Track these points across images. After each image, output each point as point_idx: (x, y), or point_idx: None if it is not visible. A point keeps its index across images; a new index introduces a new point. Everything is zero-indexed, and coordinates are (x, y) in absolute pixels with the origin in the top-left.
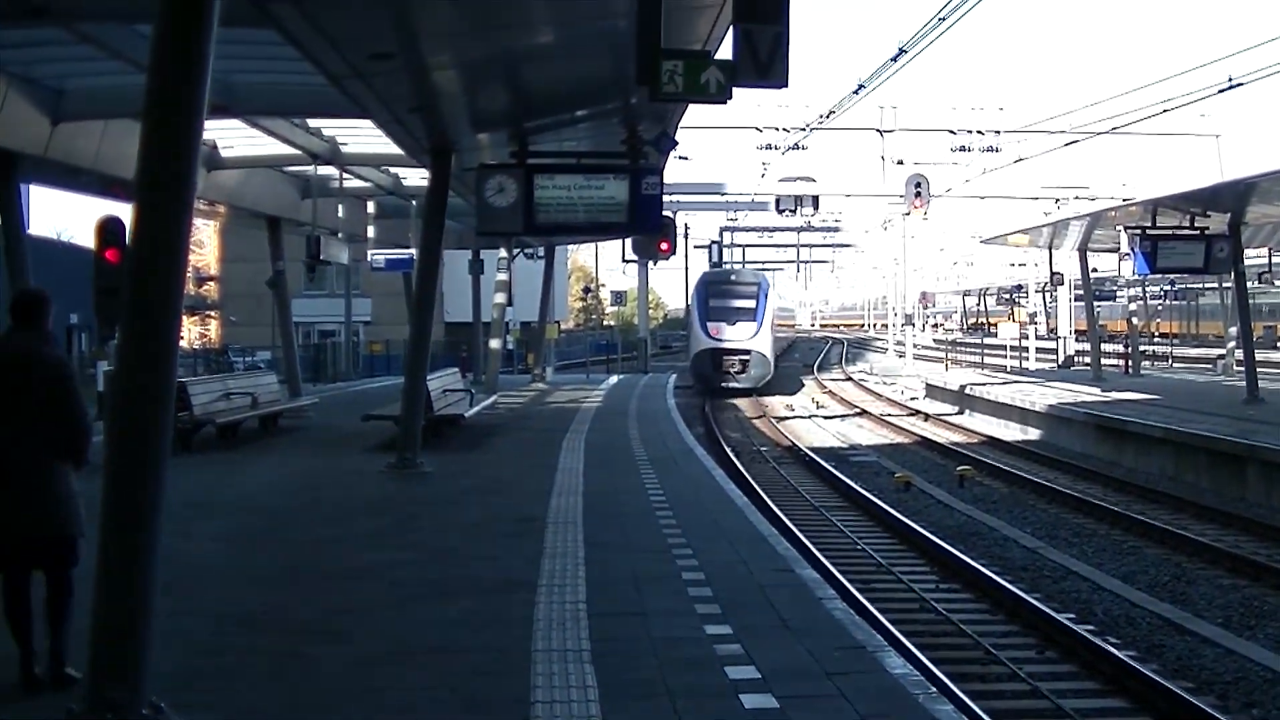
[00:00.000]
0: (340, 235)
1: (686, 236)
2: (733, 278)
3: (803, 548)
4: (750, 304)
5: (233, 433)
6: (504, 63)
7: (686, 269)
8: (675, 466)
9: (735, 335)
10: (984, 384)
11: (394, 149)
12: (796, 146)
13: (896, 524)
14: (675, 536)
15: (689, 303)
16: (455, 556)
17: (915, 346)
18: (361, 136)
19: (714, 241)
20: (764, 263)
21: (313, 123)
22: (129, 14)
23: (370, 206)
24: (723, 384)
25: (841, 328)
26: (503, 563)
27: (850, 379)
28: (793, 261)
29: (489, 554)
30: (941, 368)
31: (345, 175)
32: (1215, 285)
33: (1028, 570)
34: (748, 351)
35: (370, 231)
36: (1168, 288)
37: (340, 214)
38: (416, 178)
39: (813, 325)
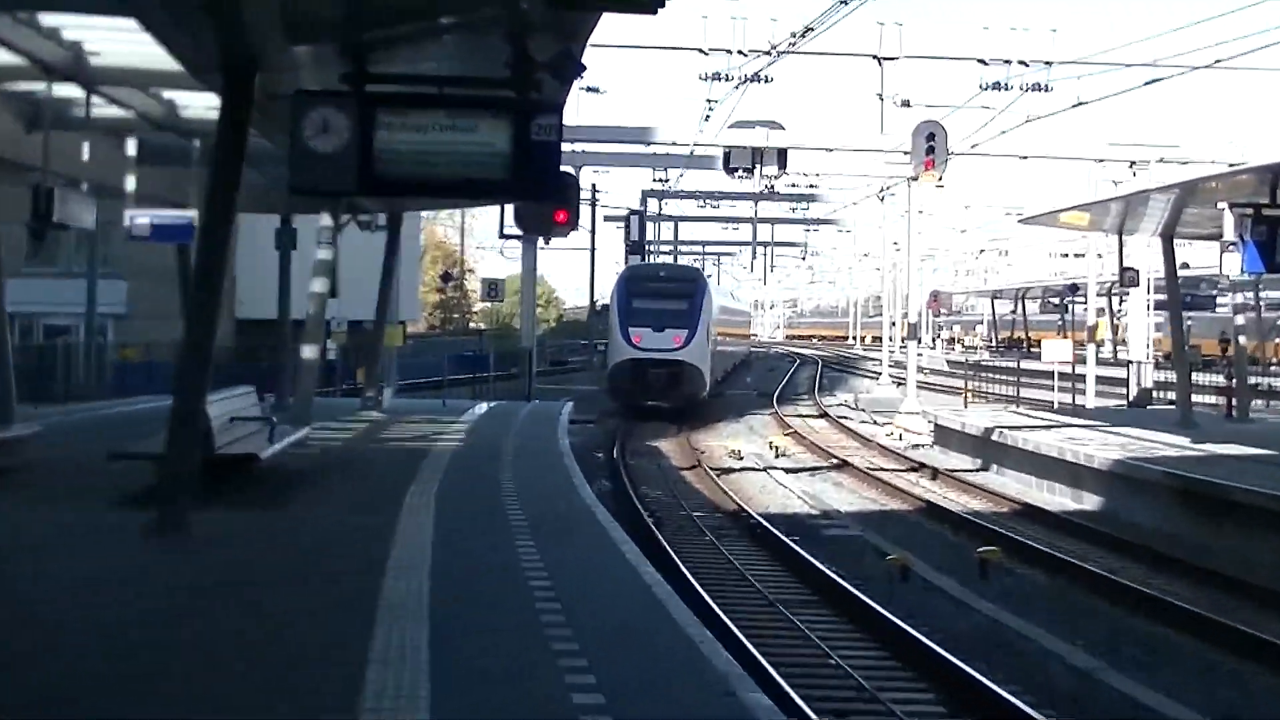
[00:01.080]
0: (84, 187)
1: (595, 204)
2: (663, 273)
3: (752, 662)
4: (682, 305)
5: None
6: None
7: (594, 250)
8: (567, 539)
9: (663, 344)
10: (1019, 427)
11: (169, 63)
12: (757, 78)
13: (888, 629)
14: (565, 643)
15: (609, 302)
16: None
17: (921, 370)
18: (121, 42)
19: (634, 212)
20: (706, 245)
21: (46, 19)
22: None
23: (131, 146)
24: (647, 401)
25: (816, 339)
26: None
27: (826, 415)
28: (747, 244)
29: (274, 693)
30: (958, 402)
31: (94, 99)
32: None
33: (1077, 702)
34: (678, 363)
35: (130, 183)
36: None
37: (86, 156)
38: (201, 106)
39: (775, 334)
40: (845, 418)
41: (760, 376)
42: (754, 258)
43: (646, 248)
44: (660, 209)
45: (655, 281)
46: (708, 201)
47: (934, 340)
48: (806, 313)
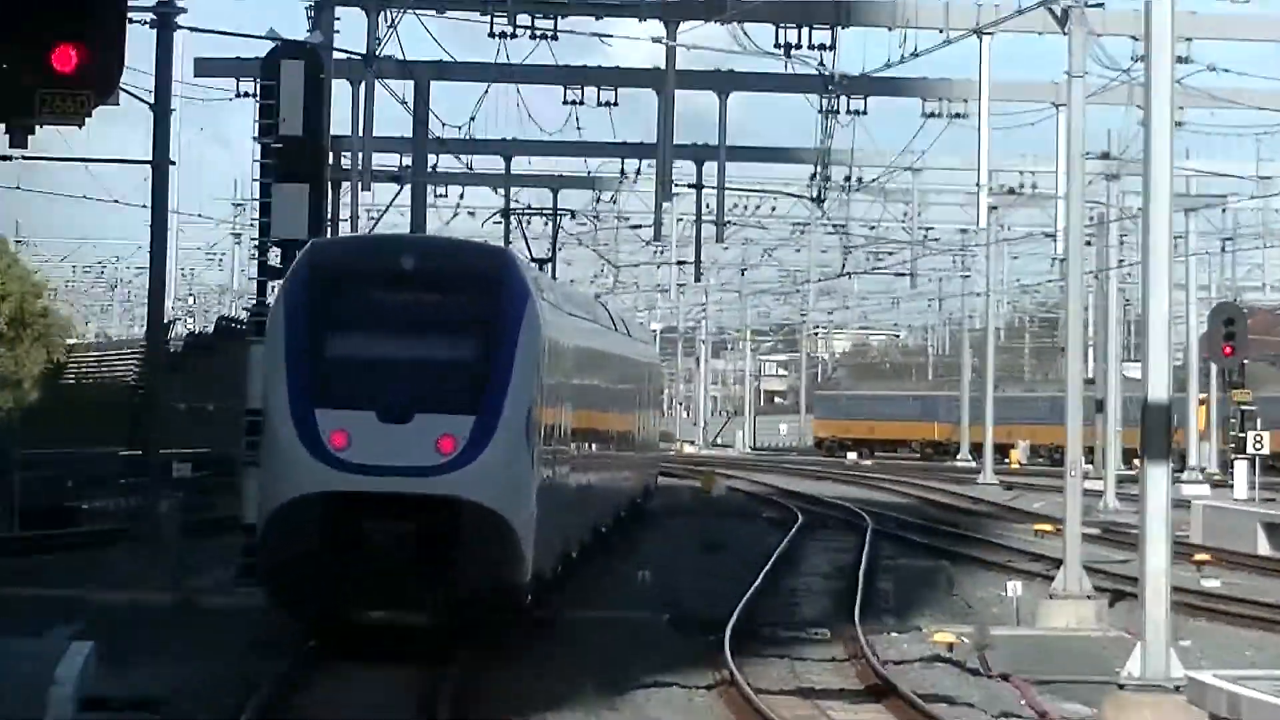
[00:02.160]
0: None
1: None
2: (413, 260)
3: None
4: (464, 346)
5: None
6: None
7: (163, 175)
8: None
9: (411, 451)
10: None
11: None
12: None
13: None
14: None
15: (269, 333)
16: None
17: (1187, 554)
18: None
19: (280, 49)
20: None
21: None
22: None
23: None
24: (366, 613)
25: (869, 439)
26: None
27: (885, 688)
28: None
29: None
30: None
31: None
32: None
33: None
34: (449, 504)
35: None
36: None
37: None
38: None
39: (741, 439)
40: (952, 698)
41: (687, 552)
42: (698, 207)
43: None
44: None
45: (390, 283)
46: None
47: (1228, 447)
48: (839, 364)
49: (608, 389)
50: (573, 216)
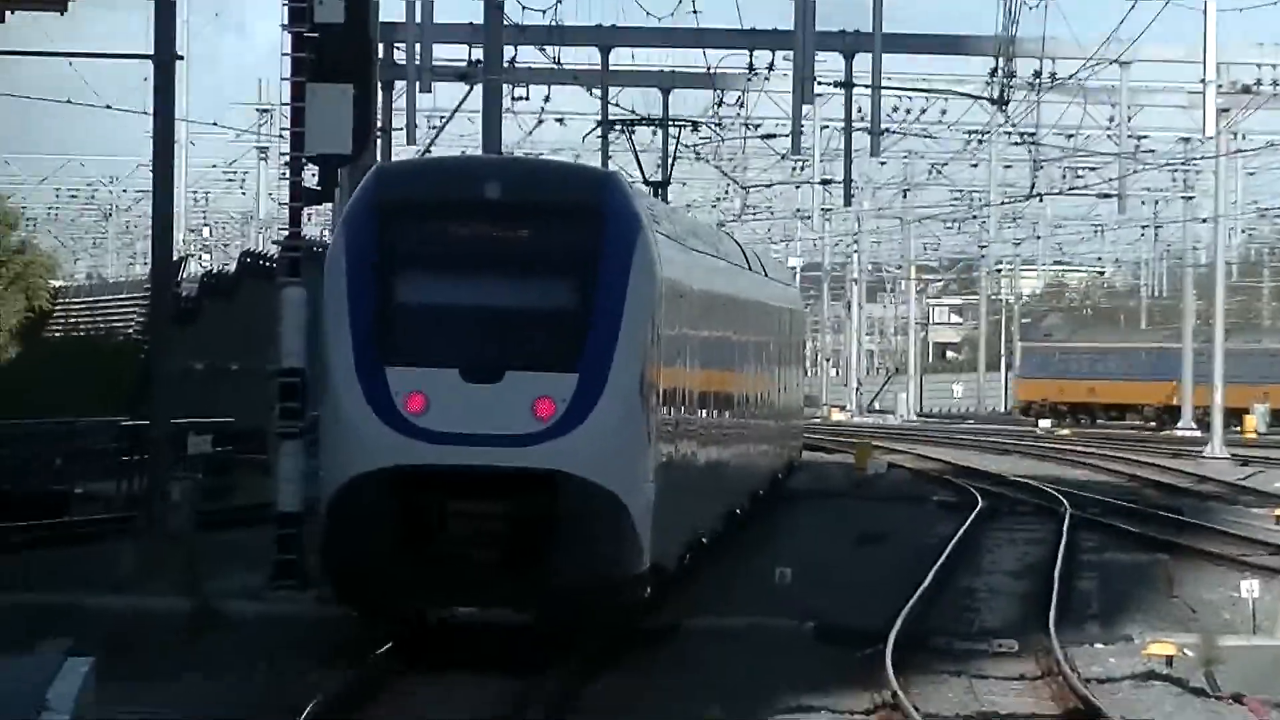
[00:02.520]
0: None
1: None
2: (498, 189)
3: None
4: (563, 293)
5: None
6: None
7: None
8: None
9: (500, 419)
10: None
11: None
12: None
13: None
14: None
15: (329, 279)
16: None
17: None
18: None
19: None
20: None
21: None
22: None
23: None
24: (451, 604)
25: (1088, 403)
26: None
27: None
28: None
29: None
30: None
31: None
32: None
33: None
34: (545, 481)
35: None
36: None
37: None
38: None
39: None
40: None
41: (838, 544)
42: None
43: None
44: None
45: (474, 215)
46: None
47: None
48: (1064, 334)
49: (741, 342)
50: (695, 128)
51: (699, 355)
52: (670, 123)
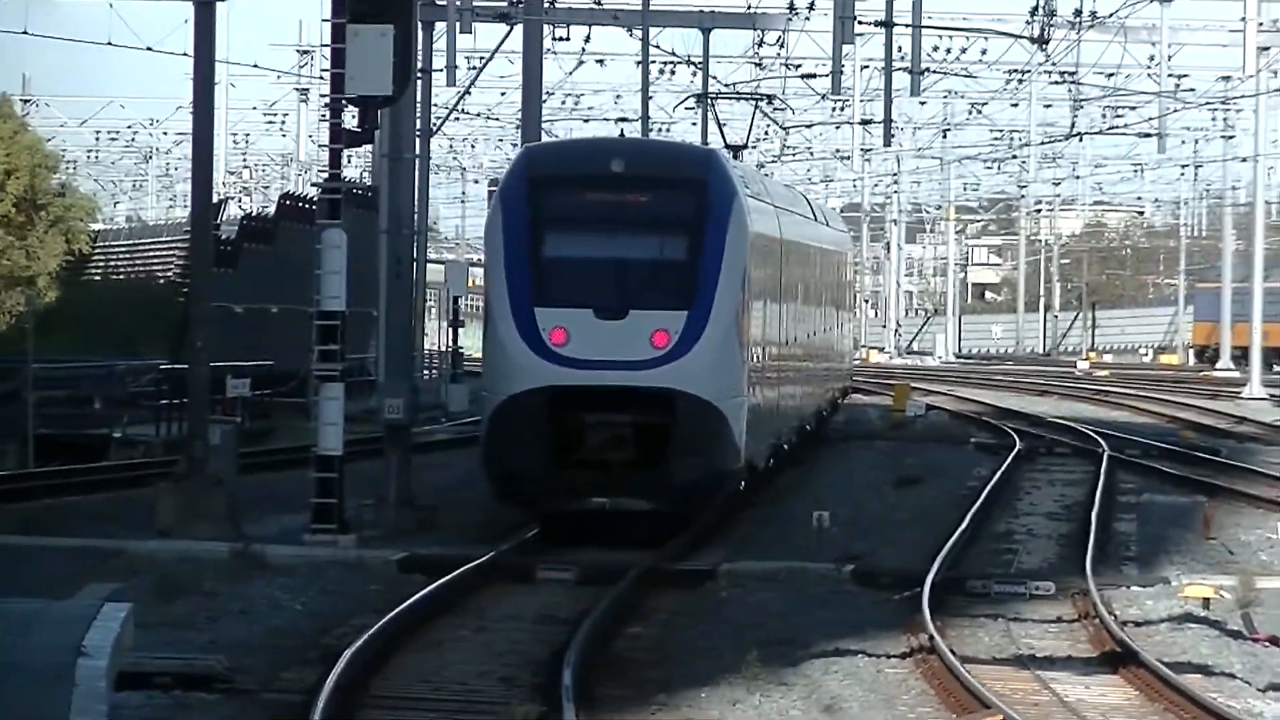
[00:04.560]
0: None
1: None
2: (623, 162)
3: None
4: (675, 247)
5: None
6: None
7: None
8: None
9: (625, 348)
10: None
11: None
12: None
13: None
14: None
15: (487, 239)
16: None
17: None
18: None
19: None
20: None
21: None
22: None
23: None
24: (587, 499)
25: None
26: None
27: (1125, 654)
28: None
29: None
30: None
31: None
32: None
33: None
34: (664, 398)
35: None
36: None
37: None
38: None
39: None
40: (1208, 667)
41: (875, 487)
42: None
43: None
44: None
45: (603, 186)
46: None
47: None
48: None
49: (809, 284)
50: (778, 106)
51: (779, 296)
52: (752, 97)
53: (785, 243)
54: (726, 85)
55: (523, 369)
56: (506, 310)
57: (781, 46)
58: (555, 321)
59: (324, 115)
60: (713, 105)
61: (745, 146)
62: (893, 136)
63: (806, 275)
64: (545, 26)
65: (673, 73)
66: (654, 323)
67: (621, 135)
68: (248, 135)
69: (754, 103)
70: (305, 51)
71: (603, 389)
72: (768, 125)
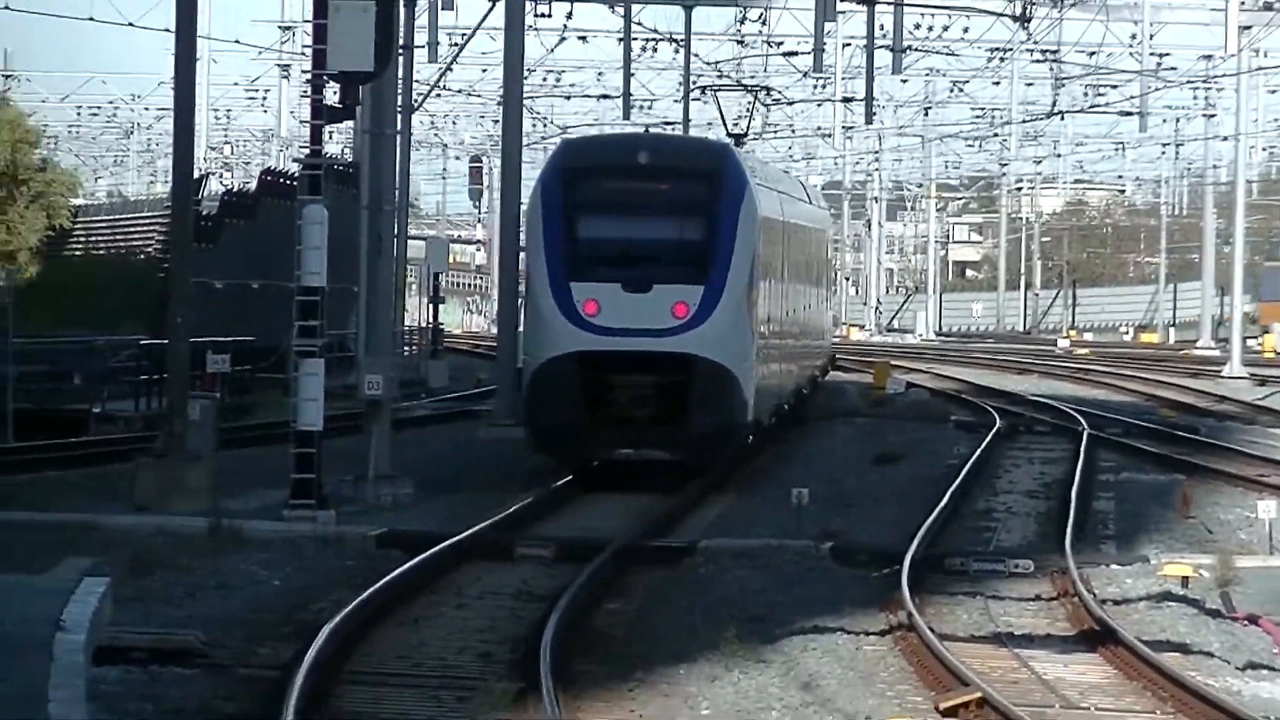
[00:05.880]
0: None
1: None
2: (648, 156)
3: None
4: (693, 229)
5: None
6: None
7: None
8: None
9: (649, 317)
10: None
11: None
12: None
13: None
14: None
15: (525, 226)
16: None
17: None
18: None
19: None
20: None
21: None
22: None
23: None
24: (618, 452)
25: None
26: None
27: (1106, 634)
28: None
29: None
30: None
31: None
32: None
33: None
34: (684, 362)
35: None
36: None
37: None
38: None
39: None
40: (1187, 645)
41: (855, 464)
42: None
43: None
44: None
45: (632, 176)
46: None
47: None
48: None
49: (804, 261)
50: (773, 99)
51: (781, 274)
52: (749, 88)
53: (785, 225)
54: (709, 64)
55: (559, 336)
56: (546, 285)
57: (764, 24)
58: (588, 294)
59: (305, 91)
60: (715, 95)
61: (746, 136)
62: (874, 114)
63: (800, 255)
64: (527, 3)
65: (655, 50)
66: (674, 296)
67: (647, 131)
68: (229, 111)
69: (752, 93)
70: (287, 27)
71: (629, 354)
72: (751, 103)
